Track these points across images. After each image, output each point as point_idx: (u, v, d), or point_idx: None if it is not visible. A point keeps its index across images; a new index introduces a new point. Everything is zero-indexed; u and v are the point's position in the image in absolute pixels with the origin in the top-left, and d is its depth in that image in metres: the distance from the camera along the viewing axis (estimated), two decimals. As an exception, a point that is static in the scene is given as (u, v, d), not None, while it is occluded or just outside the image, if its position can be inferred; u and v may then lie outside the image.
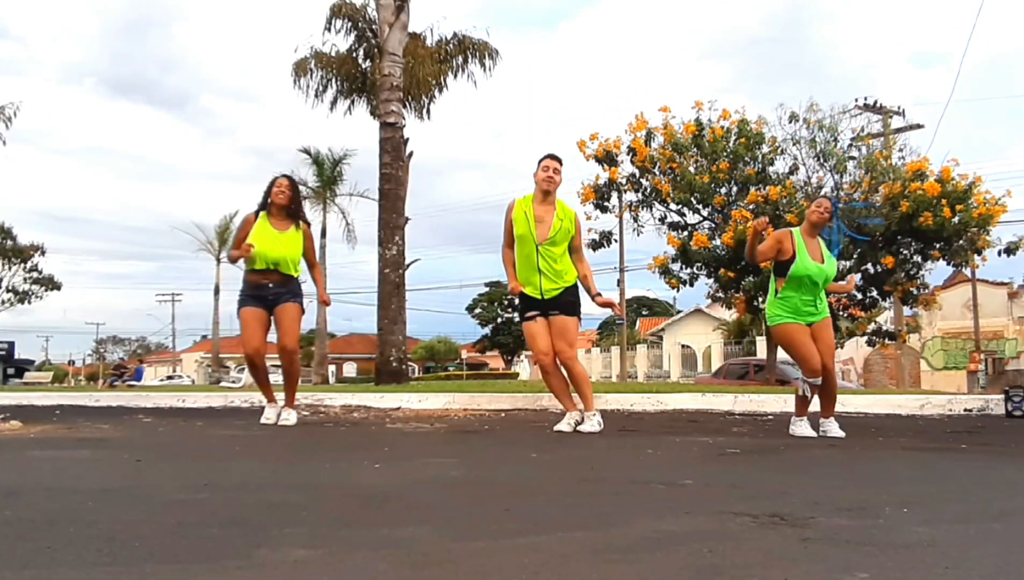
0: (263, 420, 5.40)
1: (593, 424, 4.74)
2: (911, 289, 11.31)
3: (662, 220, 11.82)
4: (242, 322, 5.21)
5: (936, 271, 12.40)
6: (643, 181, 11.55)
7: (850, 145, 11.41)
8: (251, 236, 5.13)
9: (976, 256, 11.03)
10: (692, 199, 11.05)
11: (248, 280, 5.23)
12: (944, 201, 10.13)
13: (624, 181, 11.73)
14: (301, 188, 7.12)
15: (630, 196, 11.96)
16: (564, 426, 4.80)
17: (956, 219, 10.10)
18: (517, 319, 5.08)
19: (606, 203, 11.98)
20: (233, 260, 5.18)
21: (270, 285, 5.17)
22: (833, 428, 4.69)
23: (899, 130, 20.04)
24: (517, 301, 5.00)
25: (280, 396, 5.55)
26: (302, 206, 5.55)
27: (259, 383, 5.54)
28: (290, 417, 5.35)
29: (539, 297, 4.80)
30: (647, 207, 11.76)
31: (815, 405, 4.83)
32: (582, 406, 4.87)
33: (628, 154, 11.50)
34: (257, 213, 5.23)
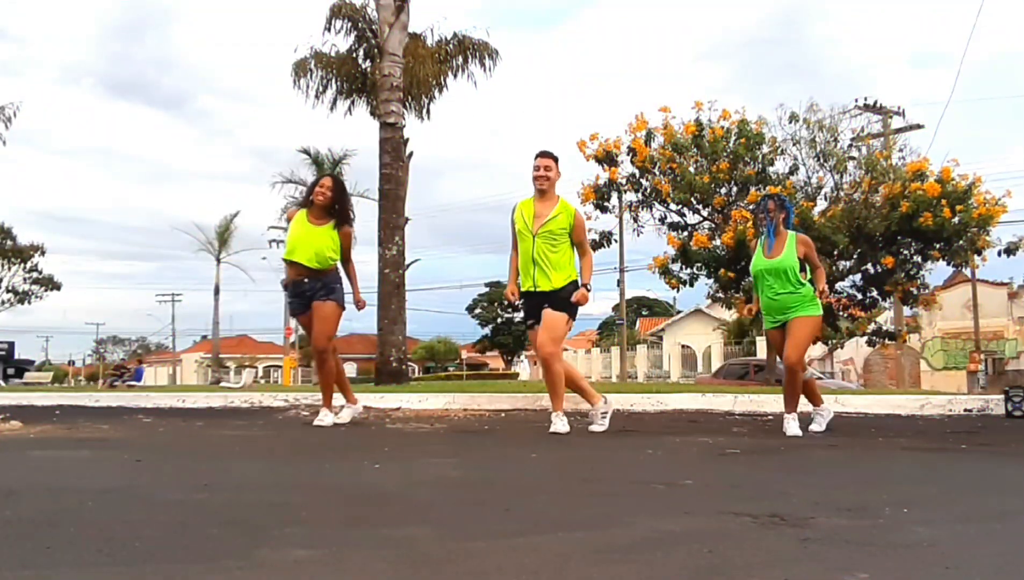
0: (316, 423, 5.21)
1: (562, 424, 4.65)
2: (911, 289, 11.31)
3: (662, 220, 11.81)
4: (303, 327, 5.48)
5: (936, 271, 12.41)
6: (643, 181, 11.54)
7: (850, 145, 11.41)
8: (289, 232, 5.27)
9: (976, 256, 11.02)
10: (692, 199, 11.04)
11: (289, 276, 5.27)
12: (944, 201, 10.13)
13: (624, 181, 11.72)
14: (300, 187, 7.04)
15: (630, 196, 11.95)
16: (561, 426, 4.69)
17: (956, 219, 10.10)
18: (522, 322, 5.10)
19: (606, 203, 11.96)
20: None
21: (305, 281, 5.17)
22: (792, 426, 4.78)
23: (899, 130, 20.04)
24: (522, 306, 4.99)
25: (338, 400, 5.46)
26: (347, 206, 5.37)
27: (323, 384, 5.44)
28: (325, 418, 5.22)
29: (532, 288, 4.79)
30: (647, 207, 11.75)
31: (805, 404, 4.96)
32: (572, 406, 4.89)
33: (628, 154, 11.49)
34: (300, 207, 5.34)
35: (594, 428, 4.79)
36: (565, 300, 4.77)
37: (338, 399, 5.48)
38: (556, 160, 4.88)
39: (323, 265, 5.14)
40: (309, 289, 5.16)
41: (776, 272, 4.90)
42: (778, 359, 5.09)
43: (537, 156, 4.89)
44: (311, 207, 5.21)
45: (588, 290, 4.83)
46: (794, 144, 11.20)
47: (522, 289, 4.87)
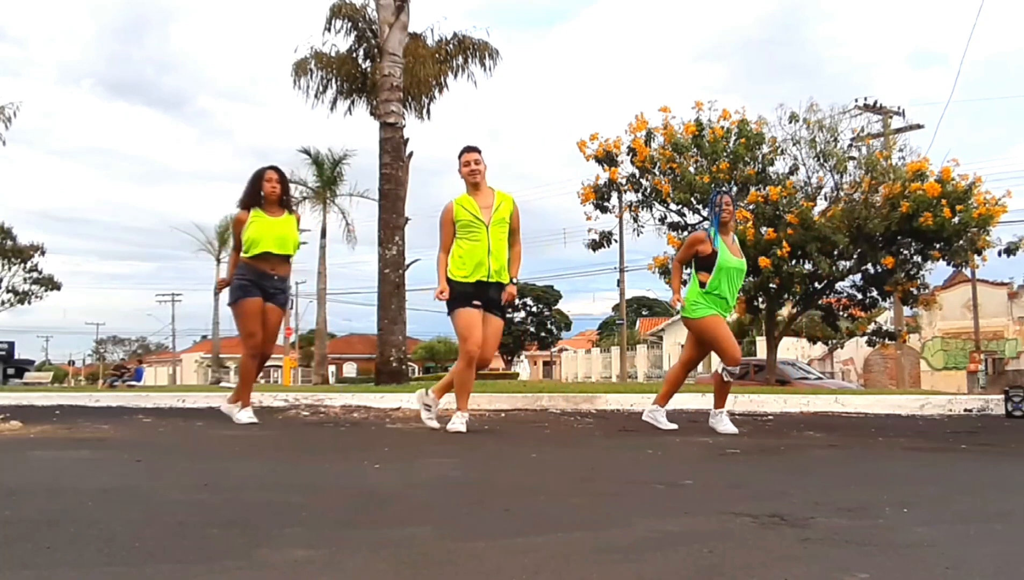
0: (245, 421, 5.25)
1: (462, 424, 4.72)
2: (911, 289, 11.31)
3: (662, 220, 11.82)
4: (247, 314, 5.12)
5: (936, 271, 12.40)
6: (643, 181, 11.54)
7: (850, 145, 11.40)
8: (249, 229, 5.12)
9: (976, 256, 11.02)
10: (692, 199, 11.04)
11: (252, 266, 5.13)
12: (944, 201, 10.12)
13: (624, 181, 11.73)
14: (300, 187, 7.06)
15: (630, 196, 11.95)
16: (461, 426, 4.71)
17: (956, 219, 10.10)
18: (447, 309, 4.87)
19: (606, 203, 11.97)
20: (220, 288, 5.33)
21: (276, 277, 5.20)
22: (726, 423, 4.86)
23: (899, 130, 20.05)
24: (456, 290, 4.81)
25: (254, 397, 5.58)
26: (290, 192, 5.58)
27: (249, 381, 5.44)
28: (242, 415, 5.28)
29: (487, 278, 4.77)
30: (647, 207, 11.75)
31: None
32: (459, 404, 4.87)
33: (628, 154, 11.50)
34: (247, 208, 5.19)
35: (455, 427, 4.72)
36: (504, 308, 4.93)
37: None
38: (481, 152, 4.90)
39: (294, 254, 5.33)
40: (272, 287, 5.20)
41: (741, 272, 5.08)
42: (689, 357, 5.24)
43: (464, 152, 4.89)
44: (263, 203, 5.21)
45: (515, 285, 4.91)
46: (794, 144, 11.21)
47: (476, 280, 4.77)
